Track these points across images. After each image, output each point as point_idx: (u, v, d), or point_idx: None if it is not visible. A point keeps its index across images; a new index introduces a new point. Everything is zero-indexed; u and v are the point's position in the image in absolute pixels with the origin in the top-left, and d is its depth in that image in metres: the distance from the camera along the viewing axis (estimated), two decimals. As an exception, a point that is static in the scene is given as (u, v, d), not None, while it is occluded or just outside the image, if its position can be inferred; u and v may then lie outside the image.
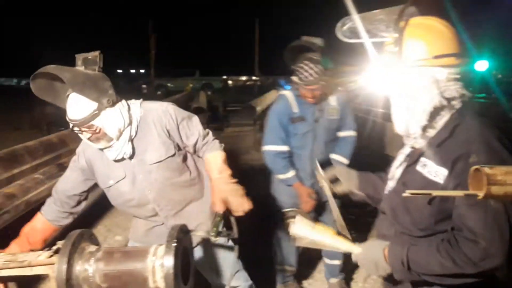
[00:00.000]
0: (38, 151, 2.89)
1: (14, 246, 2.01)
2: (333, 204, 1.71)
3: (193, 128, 2.10)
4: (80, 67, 1.86)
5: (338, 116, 2.93)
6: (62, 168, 3.02)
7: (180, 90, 19.94)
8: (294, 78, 2.78)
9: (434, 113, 1.40)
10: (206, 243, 2.20)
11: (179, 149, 2.08)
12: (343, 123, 2.97)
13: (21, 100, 16.48)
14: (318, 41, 2.76)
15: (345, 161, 2.97)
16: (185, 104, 10.29)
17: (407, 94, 1.40)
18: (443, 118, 1.42)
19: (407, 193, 1.12)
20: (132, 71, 42.12)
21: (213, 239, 1.75)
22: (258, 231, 3.23)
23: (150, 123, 2.00)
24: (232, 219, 1.97)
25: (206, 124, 9.10)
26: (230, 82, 25.54)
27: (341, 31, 1.57)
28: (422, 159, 1.45)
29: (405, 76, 1.40)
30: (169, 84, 24.74)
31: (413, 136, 1.46)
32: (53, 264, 1.58)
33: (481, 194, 0.72)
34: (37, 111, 10.07)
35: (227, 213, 1.91)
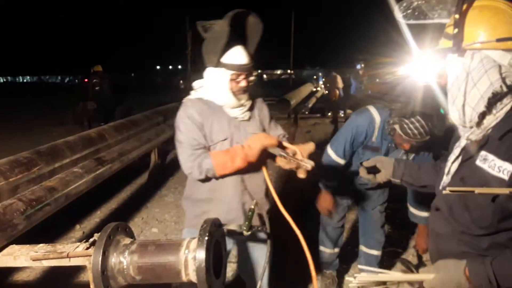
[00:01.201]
0: (78, 146, 2.97)
1: None
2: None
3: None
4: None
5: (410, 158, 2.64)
6: (101, 162, 3.11)
7: (216, 85, 20.18)
8: (394, 133, 2.41)
9: (494, 100, 1.28)
10: (243, 241, 2.22)
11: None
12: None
13: (65, 96, 17.18)
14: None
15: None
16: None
17: (465, 78, 1.30)
18: (505, 107, 1.30)
19: (447, 191, 1.06)
20: (170, 67, 42.89)
21: (245, 233, 1.73)
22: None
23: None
24: (265, 215, 1.95)
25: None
26: (265, 76, 25.58)
27: (402, 11, 1.47)
28: (482, 153, 1.34)
29: (463, 59, 1.30)
30: (206, 78, 25.13)
31: (470, 125, 1.35)
32: (90, 255, 1.62)
33: None
34: (79, 107, 10.41)
35: (260, 209, 1.91)
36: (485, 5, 1.30)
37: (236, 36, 1.97)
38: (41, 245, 1.75)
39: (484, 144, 1.33)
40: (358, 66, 14.05)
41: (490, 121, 1.32)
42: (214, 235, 1.52)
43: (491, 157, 1.30)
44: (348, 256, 3.61)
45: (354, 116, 2.70)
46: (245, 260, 2.29)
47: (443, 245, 1.49)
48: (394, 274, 1.51)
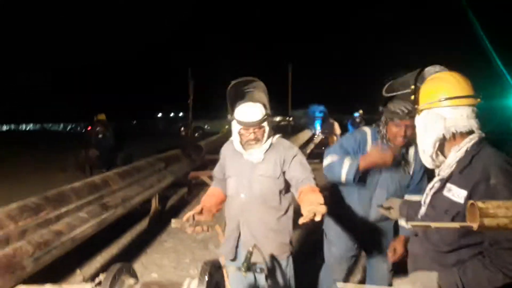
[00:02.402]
0: (83, 192, 3.09)
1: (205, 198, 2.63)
2: None
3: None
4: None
5: (411, 173, 2.73)
6: (105, 207, 3.21)
7: (216, 132, 20.40)
8: (388, 115, 2.58)
9: (441, 145, 1.69)
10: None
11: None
12: (417, 187, 2.73)
13: (67, 144, 17.42)
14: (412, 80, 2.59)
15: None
16: (221, 144, 10.50)
17: (423, 131, 1.74)
18: (462, 148, 1.65)
19: (409, 224, 1.43)
20: (171, 114, 43.57)
21: (243, 273, 1.82)
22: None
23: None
24: (263, 255, 2.05)
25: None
26: (265, 122, 25.92)
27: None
28: (448, 185, 1.68)
29: (421, 117, 1.75)
30: (206, 126, 25.46)
31: (436, 164, 1.74)
32: (95, 296, 1.70)
33: (475, 226, 0.78)
34: (81, 154, 10.57)
35: (258, 249, 2.01)
36: (433, 77, 1.79)
37: (245, 95, 2.42)
38: (48, 285, 1.84)
39: (449, 178, 1.68)
40: (356, 114, 14.72)
41: (452, 160, 1.67)
42: (214, 277, 1.61)
43: (453, 187, 1.65)
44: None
45: (345, 136, 3.02)
46: None
47: (418, 264, 1.78)
48: None
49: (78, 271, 4.30)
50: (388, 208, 2.30)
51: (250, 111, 2.34)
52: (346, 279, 3.14)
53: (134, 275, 1.76)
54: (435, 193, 1.77)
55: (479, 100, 1.67)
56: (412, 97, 1.79)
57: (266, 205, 2.42)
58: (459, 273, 1.53)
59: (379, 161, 2.54)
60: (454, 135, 1.67)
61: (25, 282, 2.12)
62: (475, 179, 1.56)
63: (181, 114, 41.29)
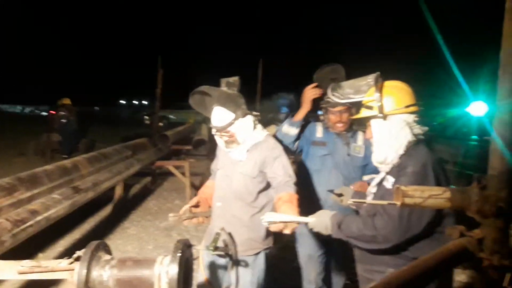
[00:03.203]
0: (55, 174, 3.17)
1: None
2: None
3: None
4: (223, 87, 2.49)
5: (363, 155, 2.94)
6: (77, 190, 3.31)
7: (182, 122, 20.24)
8: (324, 105, 2.93)
9: (408, 145, 1.93)
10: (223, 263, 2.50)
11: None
12: (370, 166, 2.86)
13: (25, 127, 16.87)
14: (342, 72, 2.88)
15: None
16: (187, 136, 10.57)
17: (388, 134, 1.95)
18: (403, 149, 1.95)
19: (350, 201, 1.87)
20: (135, 102, 42.68)
21: (211, 253, 2.01)
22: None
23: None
24: (230, 238, 2.25)
25: (207, 156, 9.38)
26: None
27: (333, 94, 2.38)
28: (387, 176, 1.99)
29: (386, 121, 1.95)
30: (171, 116, 25.11)
31: (388, 163, 1.98)
32: (73, 270, 1.83)
33: (398, 203, 1.02)
34: (43, 138, 10.36)
35: (227, 232, 2.21)
36: (392, 85, 2.01)
37: (216, 101, 2.44)
38: (26, 261, 1.94)
39: (389, 171, 1.99)
40: (320, 112, 14.77)
41: (394, 157, 1.96)
42: (185, 254, 1.79)
43: (389, 177, 1.96)
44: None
45: None
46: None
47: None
48: (289, 216, 2.09)
49: (40, 255, 4.34)
50: (340, 195, 2.49)
51: (215, 116, 2.42)
52: (320, 278, 3.19)
53: (109, 251, 1.92)
54: (378, 184, 2.06)
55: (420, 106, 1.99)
56: (373, 103, 1.96)
57: (242, 202, 2.49)
58: (344, 217, 1.99)
59: (307, 97, 2.97)
60: (414, 138, 1.94)
61: (3, 257, 2.21)
62: (402, 166, 1.90)
63: (145, 102, 40.63)
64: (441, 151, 7.59)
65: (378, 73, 2.02)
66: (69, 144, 10.64)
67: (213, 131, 2.49)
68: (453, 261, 0.90)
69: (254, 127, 2.49)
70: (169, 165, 6.53)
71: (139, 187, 7.82)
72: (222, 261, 2.49)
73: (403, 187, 1.00)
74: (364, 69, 2.77)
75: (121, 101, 42.21)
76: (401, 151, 1.93)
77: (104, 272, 1.73)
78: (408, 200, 0.99)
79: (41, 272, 1.90)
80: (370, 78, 2.06)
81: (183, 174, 6.11)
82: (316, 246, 3.08)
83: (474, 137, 9.36)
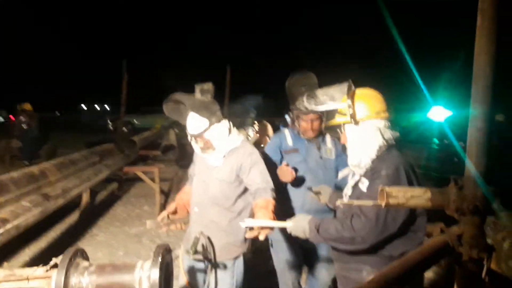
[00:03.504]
0: (22, 182, 3.06)
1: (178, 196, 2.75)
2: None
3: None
4: (197, 94, 2.47)
5: (334, 157, 3.03)
6: (47, 197, 3.21)
7: (147, 128, 19.89)
8: (296, 112, 2.99)
9: (380, 150, 2.01)
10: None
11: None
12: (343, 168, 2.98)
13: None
14: (314, 79, 2.95)
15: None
16: (154, 141, 10.43)
17: (360, 139, 2.03)
18: (376, 153, 2.04)
19: (339, 202, 1.84)
20: (97, 107, 41.58)
21: (191, 256, 2.03)
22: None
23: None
24: (208, 242, 2.27)
25: (176, 161, 9.29)
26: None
27: (308, 102, 2.42)
28: (362, 179, 2.07)
29: (358, 127, 2.03)
30: (136, 121, 24.61)
31: (362, 166, 2.06)
32: (49, 277, 1.80)
33: (383, 204, 1.09)
34: (2, 144, 9.97)
35: (206, 236, 2.22)
36: (364, 93, 2.09)
37: (190, 109, 2.46)
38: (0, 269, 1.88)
39: (364, 174, 2.07)
40: (287, 116, 14.91)
41: (367, 161, 2.04)
42: (165, 258, 1.79)
43: (364, 179, 2.05)
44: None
45: (268, 143, 3.33)
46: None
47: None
48: (268, 222, 2.16)
49: (5, 264, 4.18)
50: (318, 193, 2.59)
51: (190, 123, 2.46)
52: (297, 282, 3.22)
53: (87, 258, 1.89)
54: (353, 186, 2.15)
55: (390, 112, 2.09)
56: (346, 110, 2.02)
57: (219, 207, 2.51)
58: (322, 221, 2.06)
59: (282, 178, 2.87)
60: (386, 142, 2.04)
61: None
62: (376, 170, 1.99)
63: (107, 106, 39.57)
64: (405, 155, 7.86)
65: (350, 80, 2.09)
66: (30, 150, 10.29)
67: (189, 138, 2.51)
68: (437, 255, 0.96)
69: (230, 133, 2.52)
70: (138, 171, 6.44)
71: (105, 193, 7.66)
72: (201, 265, 2.50)
73: (387, 188, 1.07)
74: (328, 74, 2.90)
75: (82, 106, 40.97)
76: (373, 155, 2.01)
77: (83, 279, 1.70)
78: (392, 201, 1.05)
79: (16, 280, 1.85)
80: (343, 86, 2.13)
81: (152, 180, 6.04)
82: (293, 252, 3.11)
83: (435, 140, 9.77)
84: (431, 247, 0.97)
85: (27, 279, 1.86)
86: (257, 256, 4.17)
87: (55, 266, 1.78)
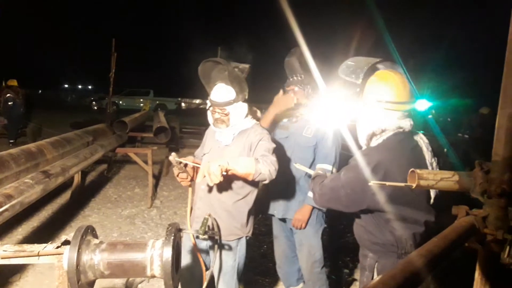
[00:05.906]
0: (21, 159, 3.02)
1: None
2: None
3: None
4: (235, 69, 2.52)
5: (312, 135, 3.01)
6: (48, 175, 3.17)
7: (131, 109, 19.61)
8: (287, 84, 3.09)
9: (377, 135, 2.00)
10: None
11: None
12: (321, 153, 3.01)
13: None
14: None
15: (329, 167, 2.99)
16: (144, 122, 10.31)
17: (366, 119, 2.02)
18: (382, 137, 2.00)
19: (372, 182, 1.71)
20: (79, 86, 40.84)
21: (201, 236, 2.05)
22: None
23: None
24: (215, 223, 2.30)
25: (165, 144, 9.24)
26: (183, 104, 25.52)
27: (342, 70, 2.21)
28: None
29: (367, 109, 2.01)
30: (120, 102, 24.26)
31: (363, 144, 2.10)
32: (61, 254, 1.80)
33: (414, 185, 1.13)
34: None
35: (212, 218, 2.25)
36: (384, 76, 1.99)
37: (220, 77, 2.48)
38: (8, 245, 1.87)
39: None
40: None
41: (363, 142, 2.07)
42: (177, 237, 1.82)
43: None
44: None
45: None
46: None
47: None
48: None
49: (-2, 241, 4.15)
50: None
51: (218, 92, 2.45)
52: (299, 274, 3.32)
53: (96, 236, 1.90)
54: None
55: (412, 105, 2.02)
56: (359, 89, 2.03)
57: (226, 187, 2.49)
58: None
59: (280, 107, 2.95)
60: (382, 131, 1.99)
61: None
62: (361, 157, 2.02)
63: (90, 86, 38.89)
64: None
65: (377, 60, 2.04)
66: (15, 128, 10.10)
67: (208, 106, 2.54)
68: (465, 235, 1.01)
69: (246, 116, 2.55)
70: (131, 152, 6.38)
71: (95, 174, 7.60)
72: (203, 244, 2.54)
73: (418, 171, 1.10)
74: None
75: (65, 85, 40.18)
76: (369, 138, 2.02)
77: (94, 256, 1.71)
78: (422, 182, 1.09)
79: (26, 256, 1.86)
80: (371, 61, 2.07)
81: (144, 162, 6.01)
82: (292, 247, 3.22)
83: (421, 132, 9.92)
84: (457, 227, 1.01)
85: (38, 255, 1.87)
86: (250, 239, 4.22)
87: (66, 243, 1.80)
